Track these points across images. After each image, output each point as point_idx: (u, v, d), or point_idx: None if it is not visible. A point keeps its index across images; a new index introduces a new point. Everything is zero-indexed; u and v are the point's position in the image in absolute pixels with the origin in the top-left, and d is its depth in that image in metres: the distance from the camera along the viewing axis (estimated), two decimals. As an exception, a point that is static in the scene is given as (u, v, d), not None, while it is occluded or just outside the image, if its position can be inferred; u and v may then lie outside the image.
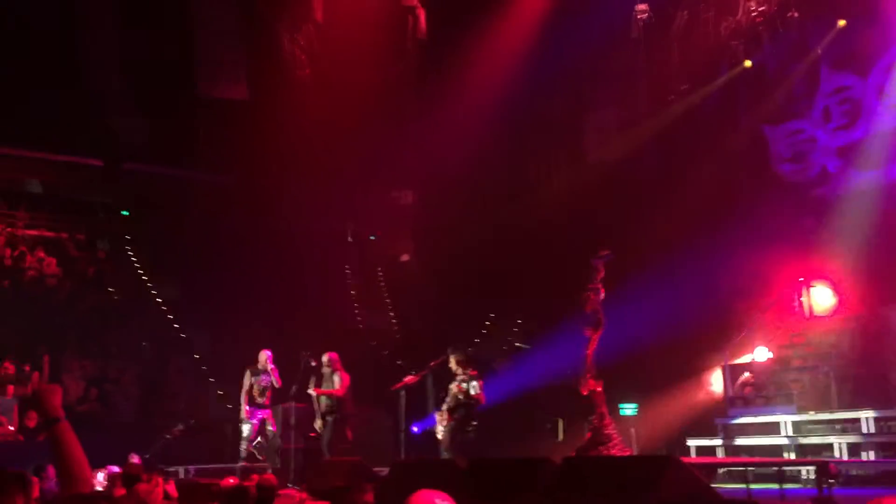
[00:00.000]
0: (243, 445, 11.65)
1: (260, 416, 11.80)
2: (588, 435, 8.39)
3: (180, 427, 13.12)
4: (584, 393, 8.65)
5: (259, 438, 11.85)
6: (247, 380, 11.79)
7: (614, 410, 14.88)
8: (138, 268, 15.72)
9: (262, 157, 15.99)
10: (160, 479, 6.33)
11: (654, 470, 6.04)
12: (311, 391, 11.41)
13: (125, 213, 16.61)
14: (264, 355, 11.92)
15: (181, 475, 11.14)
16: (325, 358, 11.53)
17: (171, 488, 6.66)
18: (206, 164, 16.45)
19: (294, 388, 11.62)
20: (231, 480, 5.39)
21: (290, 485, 10.71)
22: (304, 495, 7.42)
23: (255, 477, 6.62)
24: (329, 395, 11.33)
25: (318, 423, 11.34)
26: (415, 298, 18.03)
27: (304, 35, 15.84)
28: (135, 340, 15.25)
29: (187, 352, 15.42)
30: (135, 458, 9.78)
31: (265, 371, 11.81)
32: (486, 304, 17.71)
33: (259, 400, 11.79)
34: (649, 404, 14.62)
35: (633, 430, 12.87)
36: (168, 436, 12.84)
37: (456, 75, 16.08)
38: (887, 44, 13.10)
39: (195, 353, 15.32)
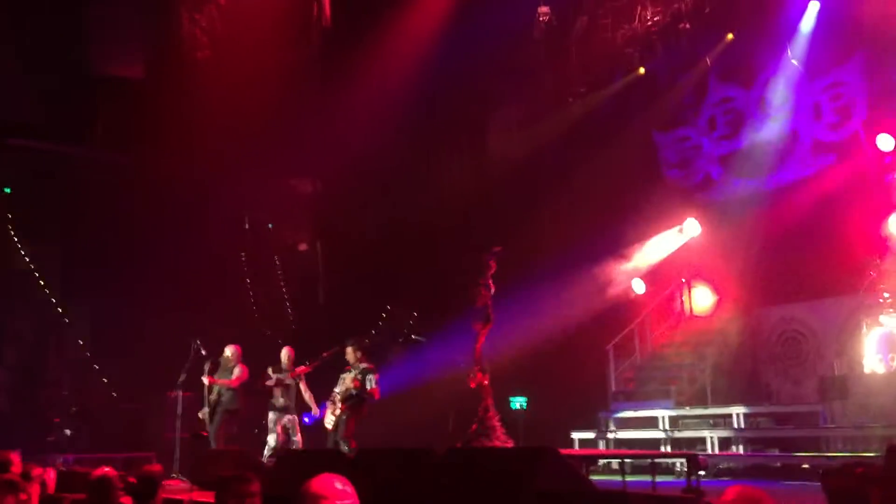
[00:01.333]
0: (267, 453, 10.95)
1: (285, 419, 11.21)
2: (473, 427, 8.62)
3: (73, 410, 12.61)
4: (473, 386, 8.87)
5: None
6: (267, 373, 11.30)
7: (504, 403, 15.27)
8: (20, 247, 15.05)
9: (159, 139, 15.55)
10: (39, 470, 6.17)
11: (532, 461, 6.27)
12: (205, 379, 11.22)
13: (7, 190, 15.86)
14: (285, 352, 11.54)
15: (61, 465, 10.80)
16: (228, 350, 11.40)
17: (50, 478, 6.50)
18: (100, 142, 15.87)
19: (183, 376, 11.41)
20: (106, 470, 5.29)
21: (174, 475, 10.56)
22: (194, 489, 7.37)
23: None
24: (222, 386, 11.20)
25: (204, 412, 11.17)
26: (312, 288, 17.93)
27: (205, 15, 15.47)
28: (12, 322, 14.62)
29: (70, 336, 14.89)
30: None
31: (287, 370, 11.32)
32: (383, 295, 17.77)
33: (281, 402, 11.21)
34: (538, 397, 15.03)
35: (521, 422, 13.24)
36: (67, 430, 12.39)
37: (361, 65, 16.03)
38: (770, 59, 13.82)
39: (79, 339, 14.80)
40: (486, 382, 8.89)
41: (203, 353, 11.42)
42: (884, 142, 12.18)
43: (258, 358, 12.57)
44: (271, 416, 11.22)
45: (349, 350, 10.68)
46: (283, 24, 15.58)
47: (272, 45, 15.72)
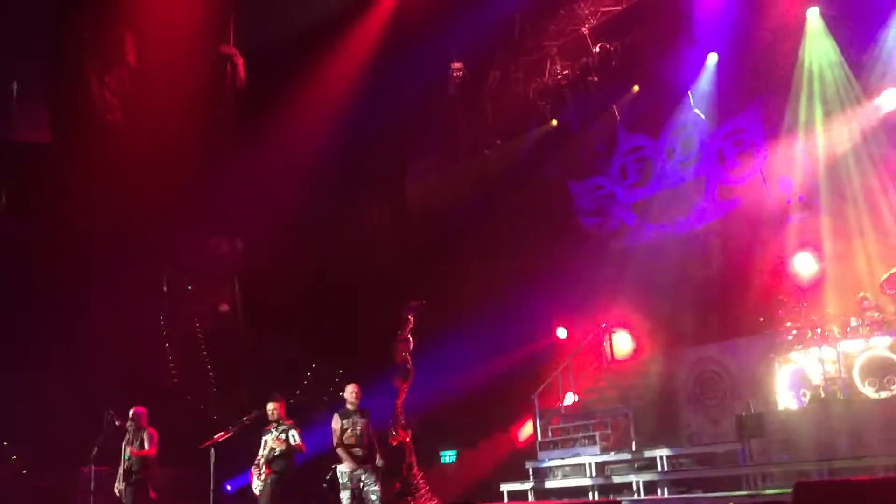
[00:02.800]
0: None
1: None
2: (397, 485, 8.51)
3: None
4: (394, 443, 8.78)
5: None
6: (336, 424, 9.83)
7: (434, 458, 15.14)
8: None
9: (70, 202, 15.16)
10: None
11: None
12: (128, 453, 10.73)
13: None
14: (352, 389, 10.06)
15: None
16: (131, 413, 10.92)
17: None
18: (4, 209, 15.38)
19: (95, 449, 10.94)
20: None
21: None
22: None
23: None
24: (138, 456, 10.75)
25: (118, 487, 10.69)
26: (234, 350, 17.56)
27: (114, 77, 15.28)
28: None
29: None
30: None
31: (356, 412, 9.82)
32: (308, 353, 17.52)
33: (356, 452, 9.61)
34: (468, 451, 14.95)
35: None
36: None
37: (279, 122, 16.03)
38: (674, 109, 14.36)
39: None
40: (407, 439, 8.80)
41: (117, 423, 10.98)
42: (784, 184, 12.72)
43: (175, 424, 12.19)
44: None
45: (271, 406, 10.36)
46: (196, 84, 15.50)
47: (186, 105, 15.60)
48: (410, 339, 9.12)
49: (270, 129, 16.12)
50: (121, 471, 10.69)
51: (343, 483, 9.59)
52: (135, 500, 10.61)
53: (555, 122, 15.69)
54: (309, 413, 15.78)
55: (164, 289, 17.87)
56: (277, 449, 10.04)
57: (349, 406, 9.90)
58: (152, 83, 15.43)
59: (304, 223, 17.31)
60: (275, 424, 10.23)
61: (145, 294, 16.90)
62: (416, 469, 8.53)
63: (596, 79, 14.72)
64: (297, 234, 17.46)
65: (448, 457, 14.76)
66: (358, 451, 9.53)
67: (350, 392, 10.00)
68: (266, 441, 10.31)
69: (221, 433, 10.99)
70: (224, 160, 16.60)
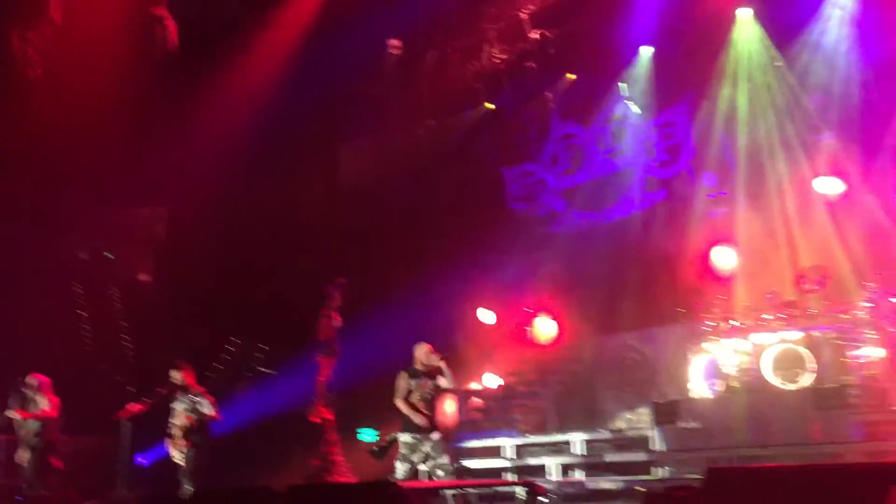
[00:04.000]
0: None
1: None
2: (316, 462, 8.45)
3: None
4: (316, 420, 8.72)
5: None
6: (402, 382, 8.85)
7: (353, 437, 15.12)
8: None
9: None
10: None
11: (372, 496, 6.19)
12: (14, 414, 10.13)
13: None
14: (425, 349, 9.01)
15: None
16: (31, 380, 10.38)
17: None
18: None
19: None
20: None
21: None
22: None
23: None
24: (36, 420, 10.30)
25: (22, 455, 10.29)
26: (154, 321, 17.15)
27: (38, 34, 14.64)
28: None
29: None
30: None
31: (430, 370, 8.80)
32: (230, 328, 17.24)
33: (422, 417, 8.67)
34: (389, 430, 14.93)
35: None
36: None
37: (209, 91, 15.63)
38: (608, 99, 14.55)
39: None
40: (329, 416, 8.76)
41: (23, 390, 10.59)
42: (710, 179, 13.05)
43: (89, 394, 11.88)
44: None
45: (174, 374, 9.82)
46: (125, 46, 14.98)
47: (113, 67, 15.07)
48: (335, 316, 9.03)
49: (201, 99, 15.72)
50: (23, 437, 10.31)
51: (403, 454, 8.63)
52: (35, 468, 10.25)
53: (490, 106, 15.71)
54: (230, 388, 15.60)
55: (81, 256, 17.36)
56: (190, 425, 9.75)
57: (419, 366, 8.82)
58: (78, 42, 14.84)
59: (231, 197, 16.96)
60: (182, 392, 9.89)
61: (61, 260, 16.39)
62: (336, 446, 8.49)
63: (533, 65, 14.78)
64: (224, 207, 17.10)
65: (368, 435, 14.73)
66: (423, 417, 8.59)
67: (422, 351, 8.93)
68: (174, 409, 9.97)
69: (135, 405, 10.73)
70: (151, 127, 16.13)
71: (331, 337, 8.95)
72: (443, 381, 8.60)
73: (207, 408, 9.57)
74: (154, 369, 14.90)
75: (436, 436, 8.56)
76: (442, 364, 8.54)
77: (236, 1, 15.10)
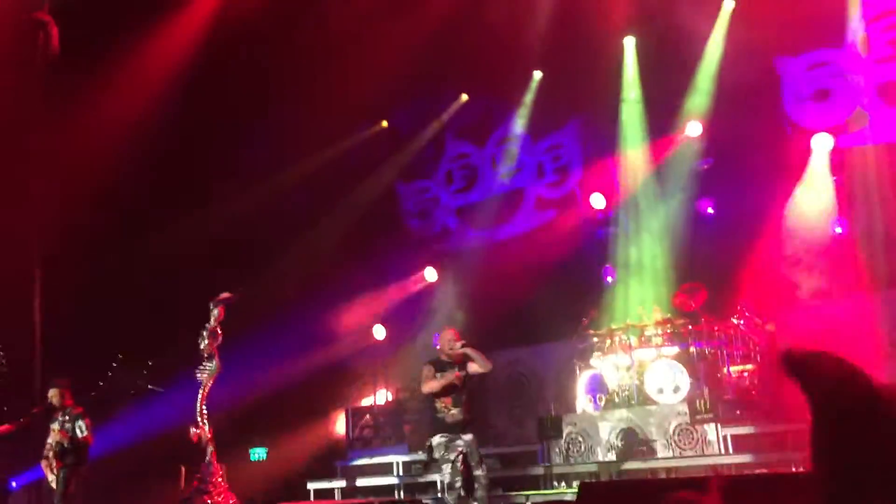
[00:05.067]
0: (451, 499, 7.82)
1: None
2: (195, 483, 8.26)
3: None
4: (195, 440, 8.52)
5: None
6: (427, 372, 8.02)
7: (244, 455, 14.82)
8: None
9: None
10: None
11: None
12: None
13: None
14: (450, 336, 8.12)
15: None
16: None
17: None
18: None
19: None
20: None
21: None
22: None
23: None
24: None
25: None
26: (30, 333, 16.37)
27: None
28: None
29: None
30: None
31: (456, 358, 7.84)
32: (114, 342, 16.63)
33: (454, 413, 7.74)
34: (278, 448, 14.73)
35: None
36: None
37: (97, 95, 15.14)
38: (499, 120, 14.85)
39: None
40: (209, 435, 8.57)
41: None
42: (596, 200, 13.46)
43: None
44: None
45: (52, 392, 9.56)
46: (4, 51, 14.38)
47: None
48: (219, 332, 8.86)
49: (87, 101, 15.20)
50: None
51: (441, 456, 7.77)
52: None
53: (385, 123, 15.78)
54: (113, 406, 15.03)
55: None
56: (65, 442, 9.42)
57: (443, 357, 8.05)
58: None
59: (120, 204, 16.41)
60: (61, 412, 9.54)
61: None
62: (215, 466, 8.30)
63: (428, 83, 14.91)
64: (113, 214, 16.53)
65: (258, 454, 14.48)
66: (454, 413, 7.76)
67: (446, 339, 8.10)
68: (53, 429, 9.62)
69: (4, 426, 10.24)
70: (30, 135, 15.47)
71: (213, 353, 8.78)
72: (473, 367, 7.93)
73: (81, 429, 9.25)
74: (30, 386, 14.27)
75: (468, 436, 7.89)
76: (468, 350, 7.86)
77: (124, 10, 14.68)
